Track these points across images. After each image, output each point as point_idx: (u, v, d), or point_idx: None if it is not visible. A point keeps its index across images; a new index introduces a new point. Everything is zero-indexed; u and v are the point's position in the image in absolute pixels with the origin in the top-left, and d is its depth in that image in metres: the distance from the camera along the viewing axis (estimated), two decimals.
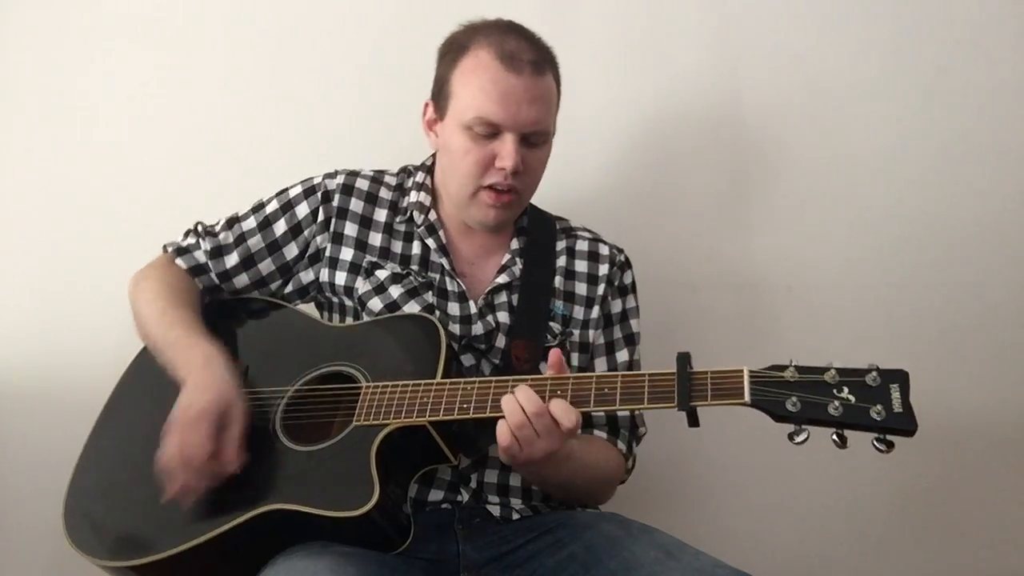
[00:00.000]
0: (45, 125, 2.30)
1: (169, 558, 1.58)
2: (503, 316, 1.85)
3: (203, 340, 1.73)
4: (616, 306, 1.94)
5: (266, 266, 1.90)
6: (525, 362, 1.79)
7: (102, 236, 2.27)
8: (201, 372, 1.66)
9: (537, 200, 1.99)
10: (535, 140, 1.79)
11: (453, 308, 1.84)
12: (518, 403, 1.53)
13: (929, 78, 2.33)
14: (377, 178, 1.94)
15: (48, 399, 2.22)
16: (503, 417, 1.54)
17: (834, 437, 1.40)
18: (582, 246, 1.96)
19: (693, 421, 1.48)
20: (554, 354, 1.59)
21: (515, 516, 1.75)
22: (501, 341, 1.83)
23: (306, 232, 1.89)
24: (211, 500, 1.60)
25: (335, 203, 1.88)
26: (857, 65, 2.33)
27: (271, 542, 1.56)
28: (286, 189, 1.93)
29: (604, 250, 1.96)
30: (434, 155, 1.94)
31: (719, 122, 2.34)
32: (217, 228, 1.93)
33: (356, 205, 1.89)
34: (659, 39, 2.33)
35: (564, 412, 1.52)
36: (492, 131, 1.75)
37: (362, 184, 1.91)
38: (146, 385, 1.83)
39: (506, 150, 1.75)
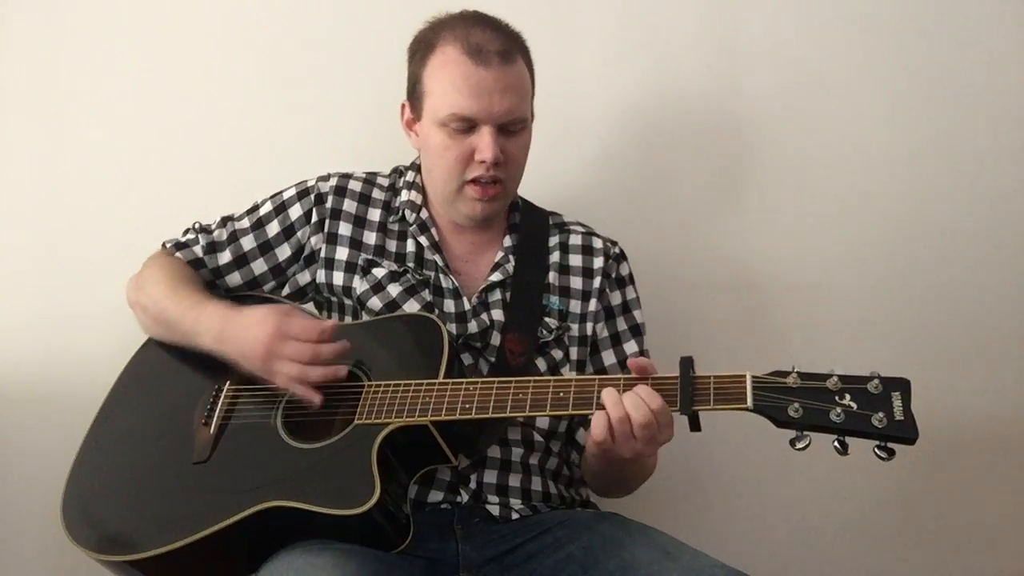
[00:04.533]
0: (44, 125, 2.29)
1: (168, 553, 1.58)
2: (497, 314, 1.85)
3: (223, 300, 1.79)
4: (616, 298, 1.94)
5: (258, 266, 1.91)
6: (519, 356, 1.79)
7: (101, 235, 2.26)
8: (239, 314, 1.71)
9: (533, 198, 2.00)
10: (513, 128, 1.79)
11: (448, 305, 1.84)
12: (621, 403, 1.50)
13: (929, 78, 2.33)
14: (370, 179, 1.95)
15: (47, 397, 2.21)
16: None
17: (835, 444, 1.41)
18: (575, 240, 1.96)
19: (695, 426, 1.49)
20: (633, 363, 1.57)
21: (514, 516, 1.75)
22: (496, 339, 1.83)
23: (299, 234, 1.89)
24: (211, 496, 1.61)
25: (328, 204, 1.89)
26: (857, 64, 2.33)
27: (270, 539, 1.57)
28: (280, 192, 1.94)
29: (598, 243, 1.96)
30: None
31: (718, 121, 2.34)
32: (212, 226, 1.94)
33: (349, 206, 1.90)
34: (658, 37, 2.32)
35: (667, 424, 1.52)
36: (468, 125, 1.76)
37: (355, 185, 1.92)
38: (144, 381, 1.85)
39: (484, 142, 1.76)
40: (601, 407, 1.52)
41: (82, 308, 2.23)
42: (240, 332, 1.70)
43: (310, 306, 1.96)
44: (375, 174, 1.97)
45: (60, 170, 2.29)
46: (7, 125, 2.28)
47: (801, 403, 1.42)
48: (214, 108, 2.30)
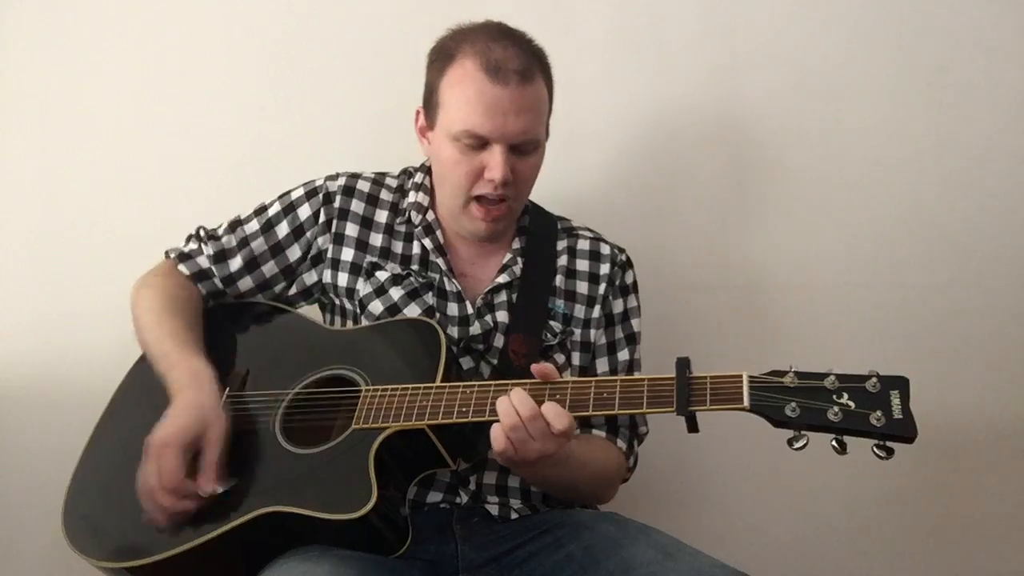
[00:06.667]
0: (45, 125, 2.29)
1: (167, 559, 1.58)
2: (502, 316, 1.84)
3: (192, 356, 1.73)
4: (617, 306, 1.93)
5: (269, 268, 1.90)
6: (523, 357, 1.79)
7: (102, 235, 2.27)
8: (183, 392, 1.66)
9: (538, 200, 1.99)
10: (525, 149, 1.78)
11: (452, 309, 1.84)
12: (512, 405, 1.52)
13: (929, 78, 2.33)
14: (378, 180, 1.94)
15: (47, 397, 2.22)
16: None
17: (833, 443, 1.40)
18: (583, 245, 1.96)
19: (692, 427, 1.48)
20: (536, 369, 1.57)
21: (513, 516, 1.75)
22: (499, 341, 1.83)
23: (308, 233, 1.89)
24: (210, 503, 1.60)
25: (336, 204, 1.88)
26: (857, 65, 2.33)
27: (269, 545, 1.57)
28: (288, 191, 1.93)
29: (605, 249, 1.96)
30: None
31: (719, 122, 2.33)
32: (220, 232, 1.92)
33: (357, 206, 1.89)
34: (660, 39, 2.32)
35: (556, 416, 1.51)
36: (480, 143, 1.75)
37: (363, 186, 1.91)
38: (147, 389, 1.82)
39: (495, 161, 1.74)
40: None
41: (83, 308, 2.24)
42: (176, 403, 1.65)
43: (314, 308, 1.96)
44: (384, 174, 1.96)
45: (61, 170, 2.29)
46: (9, 126, 2.29)
47: (798, 402, 1.41)
48: (217, 108, 2.30)
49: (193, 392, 1.66)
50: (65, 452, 1.78)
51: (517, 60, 1.74)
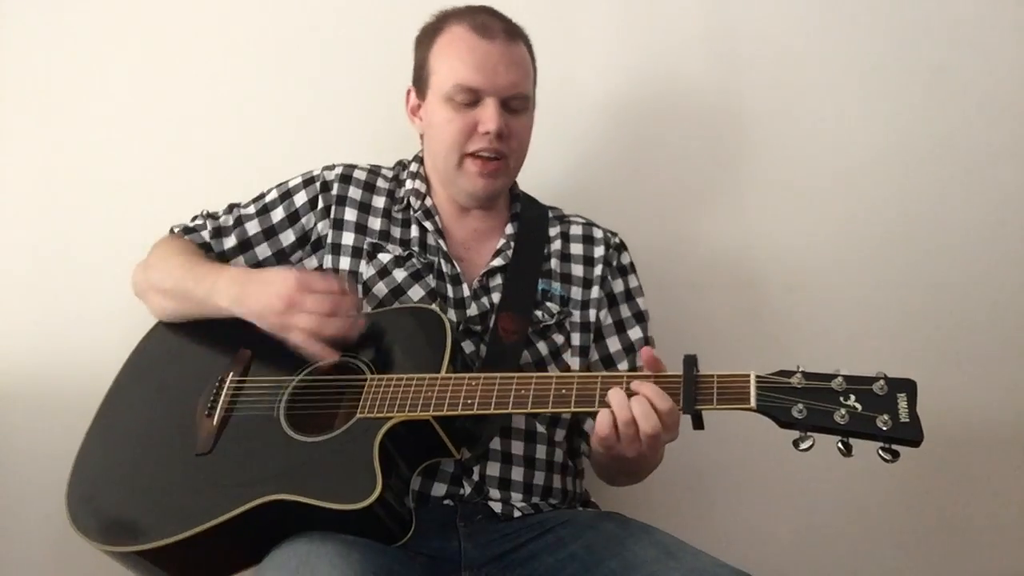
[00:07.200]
0: (45, 124, 2.28)
1: (171, 544, 1.57)
2: (496, 298, 1.87)
3: (239, 267, 1.82)
4: (618, 286, 1.96)
5: (262, 251, 1.92)
6: (512, 334, 1.81)
7: (103, 235, 2.25)
8: (258, 273, 1.77)
9: (532, 194, 2.02)
10: (516, 106, 1.83)
11: (450, 290, 1.86)
12: (628, 405, 1.50)
13: (929, 78, 2.34)
14: (374, 170, 1.98)
15: (47, 397, 2.20)
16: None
17: (839, 445, 1.40)
18: (576, 230, 2.00)
19: (698, 424, 1.49)
20: (647, 354, 1.55)
21: (516, 514, 1.75)
22: (493, 321, 1.84)
23: (304, 220, 1.91)
24: (214, 489, 1.61)
25: (334, 191, 1.92)
26: (856, 64, 2.34)
27: (273, 531, 1.56)
28: (286, 180, 1.97)
29: (598, 233, 2.00)
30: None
31: (720, 119, 2.34)
32: (219, 213, 1.97)
33: (355, 192, 1.93)
34: (659, 34, 2.33)
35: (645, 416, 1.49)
36: (473, 98, 1.80)
37: (360, 174, 1.95)
38: (147, 372, 1.84)
39: (487, 114, 1.79)
40: (606, 405, 1.52)
41: (83, 308, 2.23)
42: (259, 289, 1.72)
43: None
44: (379, 166, 2.00)
45: (61, 170, 2.28)
46: (9, 126, 2.27)
47: (805, 404, 1.41)
48: (217, 110, 2.30)
49: (261, 270, 1.79)
50: (66, 452, 1.76)
51: (502, 23, 1.85)
